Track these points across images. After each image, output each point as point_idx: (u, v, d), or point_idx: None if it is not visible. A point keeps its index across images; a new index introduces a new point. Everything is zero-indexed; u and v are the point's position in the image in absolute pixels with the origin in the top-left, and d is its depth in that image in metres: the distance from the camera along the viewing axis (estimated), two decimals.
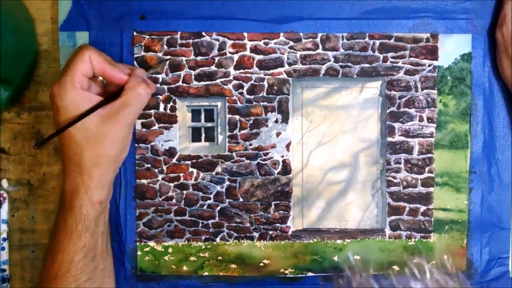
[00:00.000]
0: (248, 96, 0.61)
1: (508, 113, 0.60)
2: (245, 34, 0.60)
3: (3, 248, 0.62)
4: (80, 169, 0.52)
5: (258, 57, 0.60)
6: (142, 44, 0.60)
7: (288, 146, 0.61)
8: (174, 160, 0.61)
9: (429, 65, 0.60)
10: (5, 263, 0.62)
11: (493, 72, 0.60)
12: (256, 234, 0.61)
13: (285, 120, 0.61)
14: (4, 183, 0.62)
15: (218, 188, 0.61)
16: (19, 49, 0.58)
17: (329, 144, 0.61)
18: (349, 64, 0.60)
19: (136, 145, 0.61)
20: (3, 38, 0.55)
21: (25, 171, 0.62)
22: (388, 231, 0.61)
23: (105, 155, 0.53)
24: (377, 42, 0.60)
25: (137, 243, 0.61)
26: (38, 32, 0.61)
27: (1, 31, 0.54)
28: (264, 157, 0.61)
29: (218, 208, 0.61)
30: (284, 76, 0.61)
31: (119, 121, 0.52)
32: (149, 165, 0.61)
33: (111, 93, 0.55)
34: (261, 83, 0.61)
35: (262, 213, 0.61)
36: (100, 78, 0.54)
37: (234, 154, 0.61)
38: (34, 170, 0.62)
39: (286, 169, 0.61)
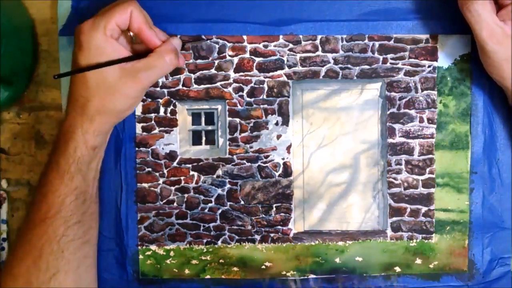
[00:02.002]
0: (248, 99, 0.61)
1: (509, 113, 0.60)
2: (245, 37, 0.60)
3: (3, 248, 0.62)
4: (83, 112, 0.52)
5: (257, 59, 0.60)
6: None
7: (288, 149, 0.61)
8: (175, 164, 0.61)
9: (429, 66, 0.60)
10: None
11: None
12: (257, 237, 0.61)
13: (286, 122, 0.61)
14: (4, 183, 0.62)
15: (219, 191, 0.61)
16: (19, 49, 0.58)
17: (329, 146, 0.61)
18: (349, 66, 0.60)
19: (137, 149, 0.61)
20: (3, 38, 0.55)
21: (25, 171, 0.62)
22: (389, 232, 0.61)
23: (112, 107, 0.53)
24: (377, 44, 0.60)
25: (139, 247, 0.61)
26: (38, 32, 0.61)
27: (1, 31, 0.54)
28: (264, 159, 0.61)
29: (219, 211, 0.61)
30: (284, 78, 0.61)
31: (137, 81, 0.52)
32: (150, 169, 0.61)
33: (138, 51, 0.55)
34: (261, 85, 0.61)
35: (263, 215, 0.61)
36: (131, 33, 0.54)
37: (234, 157, 0.61)
38: (34, 170, 0.62)
39: (287, 171, 0.61)
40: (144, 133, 0.61)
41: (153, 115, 0.61)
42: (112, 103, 0.52)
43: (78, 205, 0.53)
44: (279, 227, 0.61)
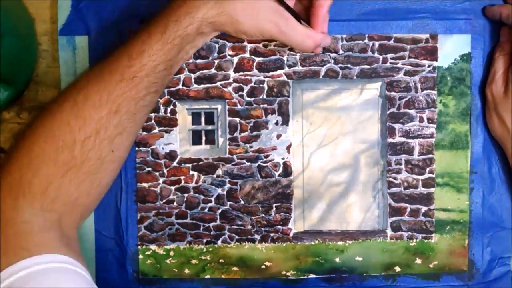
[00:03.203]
0: (248, 99, 0.61)
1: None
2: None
3: None
4: None
5: (257, 59, 0.60)
6: None
7: (288, 148, 0.61)
8: (174, 163, 0.61)
9: (429, 66, 0.60)
10: None
11: None
12: (257, 237, 0.61)
13: (286, 122, 0.61)
14: None
15: (219, 190, 0.61)
16: (19, 49, 0.58)
17: (329, 146, 0.61)
18: (349, 65, 0.60)
19: (137, 148, 0.61)
20: (3, 38, 0.55)
21: None
22: (389, 232, 0.61)
23: (235, 14, 0.51)
24: (377, 43, 0.60)
25: (139, 247, 0.61)
26: (38, 32, 0.61)
27: (1, 31, 0.54)
28: (264, 159, 0.61)
29: (219, 210, 0.61)
30: (284, 78, 0.61)
31: (276, 25, 0.52)
32: (149, 169, 0.61)
33: (297, 13, 0.55)
34: (261, 85, 0.61)
35: (263, 215, 0.61)
36: None
37: (234, 156, 0.61)
38: None
39: (287, 171, 0.61)
40: (144, 133, 0.61)
41: (153, 114, 0.61)
42: (240, 12, 0.51)
43: (164, 76, 0.52)
44: (279, 226, 0.61)
